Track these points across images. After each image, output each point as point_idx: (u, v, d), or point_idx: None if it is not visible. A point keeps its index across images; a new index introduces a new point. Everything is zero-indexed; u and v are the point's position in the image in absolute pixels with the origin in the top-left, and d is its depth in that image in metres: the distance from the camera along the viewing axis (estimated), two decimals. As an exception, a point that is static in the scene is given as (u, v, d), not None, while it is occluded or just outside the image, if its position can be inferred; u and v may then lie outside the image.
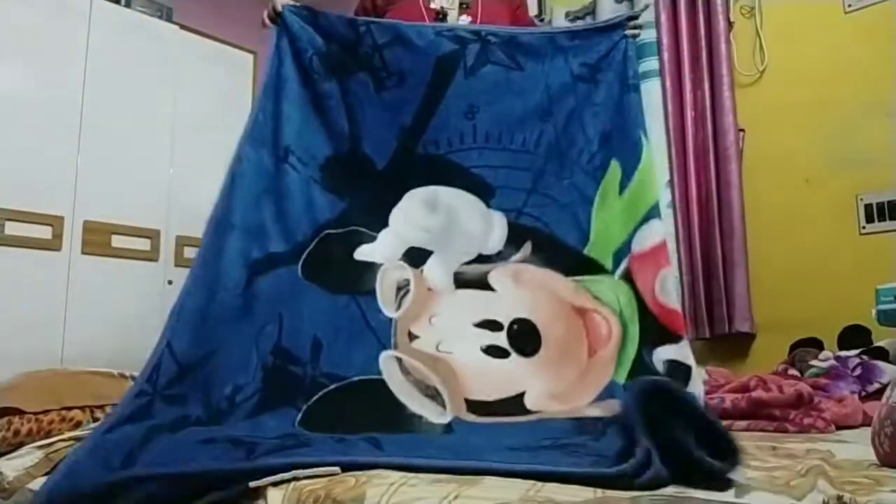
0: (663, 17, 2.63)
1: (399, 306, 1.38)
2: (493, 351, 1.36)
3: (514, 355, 1.36)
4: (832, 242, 2.27)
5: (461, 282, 1.43)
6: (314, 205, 1.42)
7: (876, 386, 1.62)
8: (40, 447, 1.12)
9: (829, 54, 2.36)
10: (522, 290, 1.44)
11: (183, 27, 3.16)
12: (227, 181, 1.37)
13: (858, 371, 1.69)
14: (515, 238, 1.48)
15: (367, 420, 1.17)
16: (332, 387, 1.25)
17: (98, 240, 2.72)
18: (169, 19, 3.15)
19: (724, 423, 1.45)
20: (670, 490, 0.76)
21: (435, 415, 1.24)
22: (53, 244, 2.60)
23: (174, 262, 2.90)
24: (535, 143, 1.55)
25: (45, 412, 1.24)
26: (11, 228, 2.51)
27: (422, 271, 1.43)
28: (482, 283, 1.44)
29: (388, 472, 0.81)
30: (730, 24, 2.54)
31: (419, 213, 1.47)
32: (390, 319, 1.36)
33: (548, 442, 1.07)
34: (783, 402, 1.42)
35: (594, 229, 1.50)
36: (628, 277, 1.44)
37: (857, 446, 1.07)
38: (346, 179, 1.47)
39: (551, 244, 1.48)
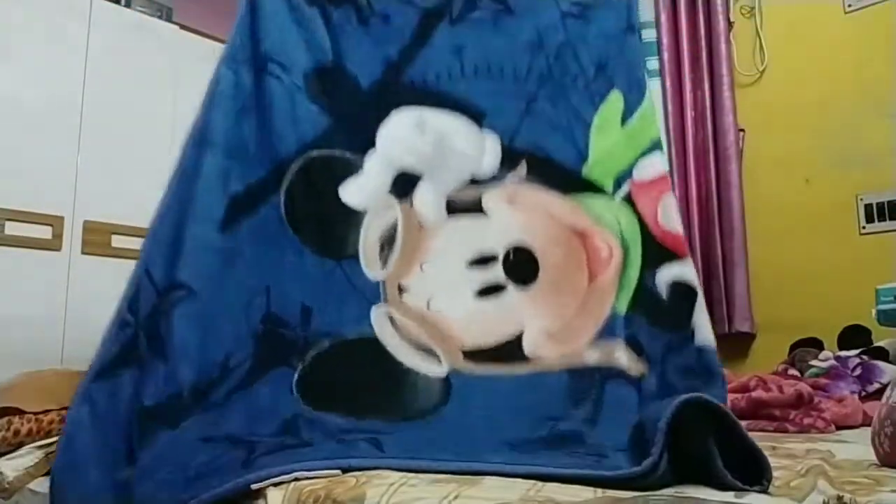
0: (663, 17, 2.63)
1: (385, 264, 1.30)
2: (488, 291, 1.31)
3: (510, 287, 1.30)
4: (832, 242, 2.27)
5: (454, 208, 1.35)
6: (298, 118, 1.32)
7: (876, 386, 1.62)
8: (40, 447, 1.12)
9: (829, 54, 2.36)
10: (518, 213, 1.37)
11: (183, 27, 3.15)
12: (205, 101, 1.31)
13: (858, 371, 1.69)
14: (509, 160, 1.40)
15: (363, 380, 1.15)
16: (327, 345, 1.19)
17: (98, 240, 2.71)
18: (169, 19, 3.15)
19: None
20: (671, 490, 0.76)
21: (430, 368, 1.20)
22: (53, 244, 2.60)
23: (174, 262, 2.90)
24: (527, 72, 1.48)
25: (45, 412, 1.24)
26: (11, 228, 2.50)
27: (411, 202, 1.34)
28: (476, 207, 1.36)
29: (388, 473, 0.81)
30: (730, 24, 2.54)
31: (408, 134, 1.38)
32: (377, 281, 1.28)
33: (545, 431, 1.05)
34: (783, 402, 1.42)
35: (593, 151, 1.43)
36: (629, 200, 1.38)
37: (857, 446, 1.07)
38: (330, 91, 1.38)
39: (548, 165, 1.41)
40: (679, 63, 2.59)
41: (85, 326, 2.68)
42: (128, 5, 3.02)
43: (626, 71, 1.49)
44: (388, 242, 1.31)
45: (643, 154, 1.40)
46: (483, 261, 1.32)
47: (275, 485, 0.82)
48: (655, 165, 1.40)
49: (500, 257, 1.32)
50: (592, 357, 1.23)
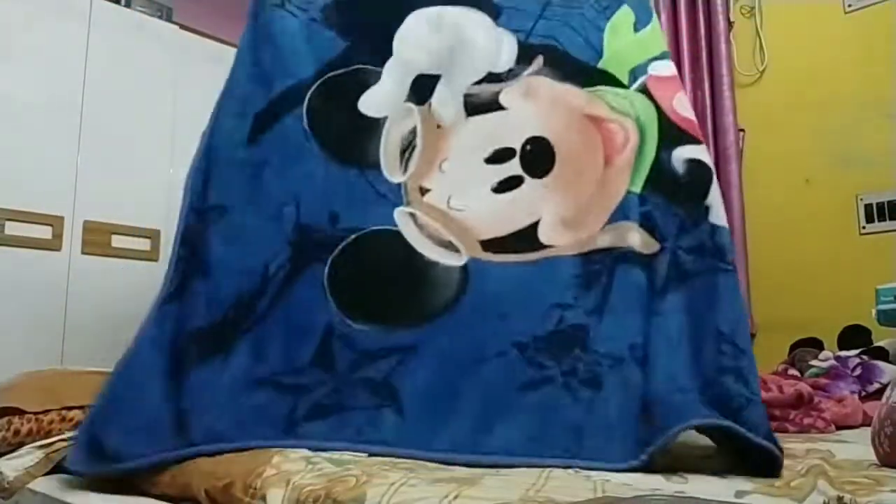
0: (663, 17, 2.63)
1: (405, 168, 1.33)
2: (506, 184, 1.32)
3: (527, 179, 1.32)
4: (832, 242, 2.27)
5: (471, 106, 1.37)
6: (314, 41, 1.38)
7: (876, 386, 1.62)
8: (40, 447, 1.12)
9: (829, 54, 2.36)
10: (535, 105, 1.39)
11: (183, 27, 3.16)
12: (237, 52, 1.39)
13: (858, 371, 1.69)
14: (525, 55, 1.41)
15: (387, 271, 1.22)
16: (352, 238, 1.24)
17: (98, 240, 2.72)
18: (169, 19, 3.15)
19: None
20: (671, 490, 0.76)
21: (450, 259, 1.23)
22: (53, 244, 2.60)
23: (174, 262, 2.90)
24: None
25: (45, 412, 1.24)
26: (11, 228, 2.51)
27: (429, 106, 1.36)
28: (494, 104, 1.38)
29: (388, 472, 0.81)
30: (730, 24, 2.54)
31: (423, 33, 1.41)
32: (399, 184, 1.32)
33: (552, 324, 1.12)
34: (783, 402, 1.42)
35: (607, 49, 1.45)
36: (645, 91, 1.39)
37: (857, 446, 1.07)
38: (348, 19, 1.42)
39: (564, 59, 1.42)
40: (679, 63, 2.59)
41: (85, 326, 2.70)
42: (128, 5, 3.02)
43: None
44: (408, 148, 1.34)
45: (655, 58, 1.42)
46: (500, 157, 1.34)
47: (275, 484, 0.82)
48: (668, 68, 1.42)
49: (518, 151, 1.34)
50: (605, 240, 1.24)
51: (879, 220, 2.20)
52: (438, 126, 1.35)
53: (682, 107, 1.37)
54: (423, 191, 1.32)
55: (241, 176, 1.26)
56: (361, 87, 1.35)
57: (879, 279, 1.63)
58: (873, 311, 1.59)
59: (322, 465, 0.87)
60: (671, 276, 1.17)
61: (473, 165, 1.34)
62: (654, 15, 1.52)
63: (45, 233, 2.58)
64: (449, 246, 1.25)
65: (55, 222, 2.61)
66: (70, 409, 1.27)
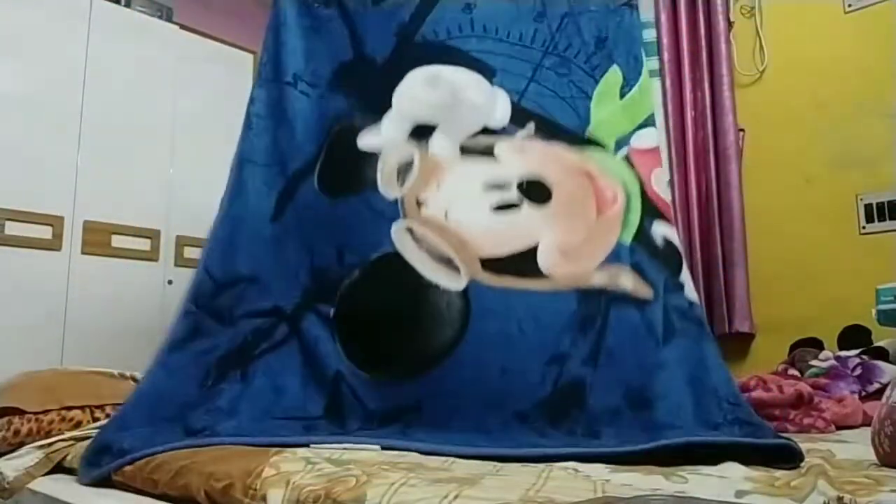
0: (663, 17, 2.63)
1: (403, 182, 1.37)
2: (504, 207, 1.35)
3: (525, 205, 1.35)
4: (832, 242, 2.27)
5: (467, 151, 1.42)
6: (324, 116, 1.49)
7: (876, 386, 1.62)
8: (40, 447, 1.12)
9: (829, 54, 2.36)
10: (529, 157, 1.44)
11: (183, 27, 3.15)
12: (245, 122, 1.50)
13: (858, 371, 1.69)
14: (518, 118, 1.47)
15: (389, 305, 1.28)
16: (356, 273, 1.31)
17: (98, 240, 2.72)
18: (169, 19, 3.15)
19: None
20: (671, 490, 0.76)
21: (450, 281, 1.25)
22: (53, 244, 2.60)
23: (174, 262, 2.90)
24: (531, 39, 1.55)
25: (45, 412, 1.24)
26: (11, 228, 2.51)
27: (427, 147, 1.41)
28: (488, 153, 1.42)
29: (388, 472, 0.81)
30: (730, 24, 2.54)
31: (421, 90, 1.47)
32: (396, 199, 1.36)
33: (550, 384, 1.14)
34: (783, 402, 1.42)
35: (594, 120, 1.51)
36: (629, 161, 1.46)
37: (857, 446, 1.07)
38: (351, 81, 1.52)
39: (553, 126, 1.48)
40: (679, 63, 2.59)
41: (85, 326, 2.70)
42: (128, 5, 3.02)
43: (625, 46, 1.58)
44: (405, 169, 1.39)
45: (639, 127, 1.50)
46: (498, 186, 1.38)
47: (275, 484, 0.82)
48: (651, 137, 1.51)
49: (515, 184, 1.38)
50: (600, 279, 1.27)
51: (879, 220, 2.20)
52: (435, 162, 1.40)
53: (658, 185, 1.46)
54: (420, 202, 1.35)
55: (269, 248, 1.38)
56: (361, 129, 1.44)
57: (879, 279, 1.63)
58: (873, 311, 1.59)
59: (322, 465, 0.87)
60: (668, 327, 1.22)
61: (470, 188, 1.38)
62: (644, 68, 1.59)
63: (45, 233, 2.58)
64: (448, 263, 1.26)
65: (55, 222, 2.61)
66: (70, 409, 1.27)
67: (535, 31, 1.55)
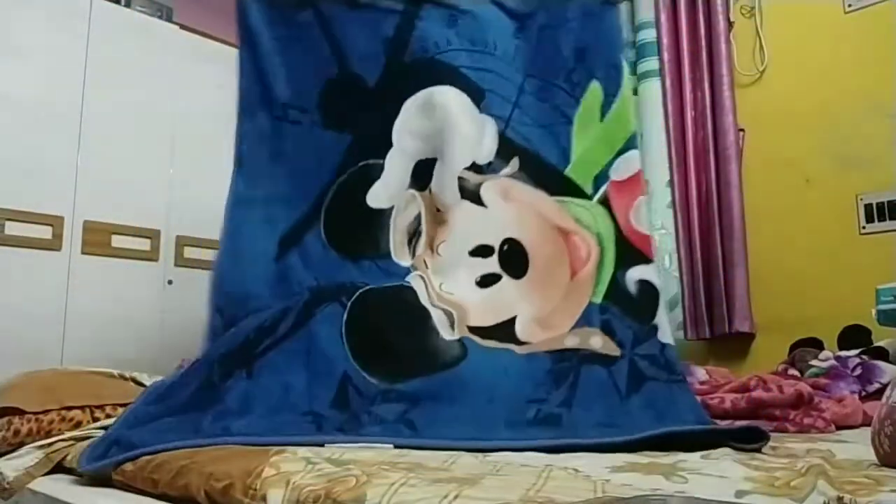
0: (663, 17, 2.63)
1: (413, 253, 1.46)
2: (487, 279, 1.45)
3: (505, 278, 1.45)
4: (832, 242, 2.27)
5: (463, 191, 1.49)
6: (323, 151, 1.47)
7: (876, 386, 1.62)
8: (40, 447, 1.12)
9: (829, 54, 2.36)
10: (511, 207, 1.51)
11: (183, 27, 3.15)
12: (236, 160, 1.46)
13: (858, 371, 1.69)
14: (504, 151, 1.51)
15: (402, 316, 1.34)
16: (368, 287, 1.36)
17: (98, 240, 2.72)
18: (169, 19, 3.15)
19: (724, 422, 1.45)
20: (671, 490, 0.76)
21: (447, 332, 1.35)
22: (53, 244, 2.60)
23: (174, 262, 2.90)
24: (513, 55, 1.58)
25: (45, 412, 1.24)
26: (11, 228, 2.51)
27: (430, 191, 1.48)
28: (477, 197, 1.50)
29: (388, 472, 0.81)
30: (730, 24, 2.54)
31: (417, 121, 1.50)
32: (408, 266, 1.44)
33: (532, 414, 1.21)
34: (783, 402, 1.42)
35: (574, 150, 1.54)
36: (606, 203, 1.50)
37: (857, 446, 1.07)
38: (344, 109, 1.50)
39: (536, 163, 1.53)
40: (679, 63, 2.59)
41: (85, 326, 2.70)
42: (128, 5, 3.02)
43: (605, 55, 1.58)
44: (413, 234, 1.47)
45: (619, 153, 1.52)
46: (482, 252, 1.47)
47: (275, 484, 0.82)
48: (632, 163, 1.53)
49: (497, 250, 1.47)
50: (572, 341, 1.38)
51: (879, 220, 2.20)
52: (438, 210, 1.48)
53: (638, 219, 1.49)
54: (426, 265, 1.45)
55: (273, 282, 1.38)
56: (368, 182, 1.47)
57: (879, 279, 1.63)
58: (873, 311, 1.59)
59: (322, 465, 0.87)
60: (631, 382, 1.31)
61: (460, 256, 1.46)
62: (624, 75, 1.58)
63: (45, 233, 2.58)
64: (448, 315, 1.37)
65: (55, 222, 2.61)
66: (70, 409, 1.27)
67: (515, 47, 1.58)
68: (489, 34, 1.56)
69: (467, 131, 1.49)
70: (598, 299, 1.42)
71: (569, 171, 1.53)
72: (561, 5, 1.61)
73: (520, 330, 1.40)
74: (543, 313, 1.42)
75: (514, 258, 1.47)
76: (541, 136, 1.54)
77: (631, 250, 1.47)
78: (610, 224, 1.49)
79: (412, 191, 1.48)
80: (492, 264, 1.46)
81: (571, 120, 1.55)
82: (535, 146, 1.53)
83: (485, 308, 1.42)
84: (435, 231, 1.47)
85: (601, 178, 1.52)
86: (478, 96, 1.51)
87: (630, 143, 1.54)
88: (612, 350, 1.36)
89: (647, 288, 1.44)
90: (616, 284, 1.44)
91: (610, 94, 1.55)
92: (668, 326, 1.41)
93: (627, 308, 1.41)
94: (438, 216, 1.48)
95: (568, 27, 1.60)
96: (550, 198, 1.50)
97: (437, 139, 1.48)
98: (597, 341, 1.37)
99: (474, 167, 1.48)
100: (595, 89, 1.56)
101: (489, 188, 1.49)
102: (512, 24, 1.59)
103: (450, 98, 1.50)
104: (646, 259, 1.46)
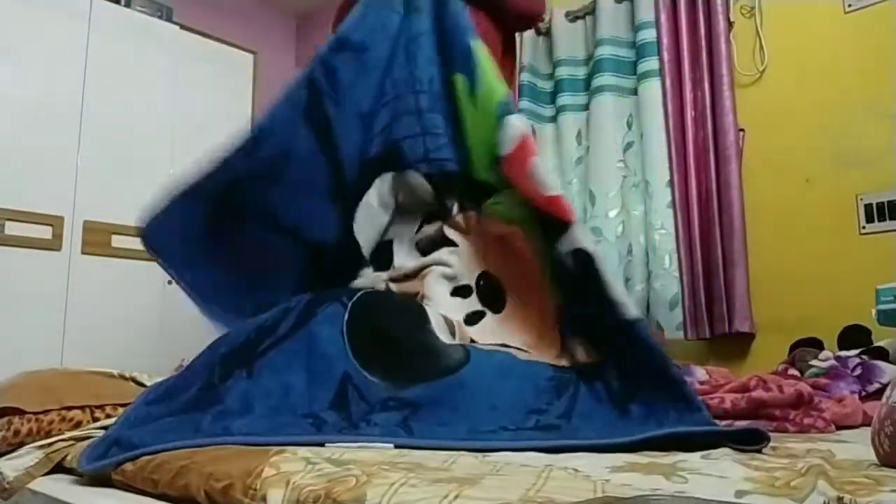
0: (663, 17, 2.63)
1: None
2: (472, 318, 1.46)
3: (488, 314, 1.47)
4: (832, 242, 2.27)
5: (422, 246, 1.54)
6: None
7: (876, 386, 1.62)
8: (40, 447, 1.12)
9: (829, 54, 2.36)
10: (474, 242, 1.54)
11: (183, 27, 3.16)
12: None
13: (858, 371, 1.69)
14: (440, 189, 1.56)
15: (401, 325, 1.33)
16: (370, 288, 1.38)
17: (98, 240, 2.72)
18: (169, 19, 3.16)
19: (724, 422, 1.45)
20: (671, 490, 0.76)
21: (447, 338, 1.35)
22: (53, 244, 2.61)
23: (174, 262, 2.90)
24: (394, 85, 1.62)
25: (45, 412, 1.24)
26: (11, 228, 2.51)
27: (393, 268, 1.55)
28: (442, 241, 1.54)
29: (388, 472, 0.81)
30: (730, 24, 2.54)
31: (373, 212, 1.59)
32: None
33: (532, 423, 1.16)
34: (783, 402, 1.42)
35: (470, 148, 1.55)
36: (510, 185, 1.46)
37: (857, 446, 1.07)
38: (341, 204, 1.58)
39: (457, 180, 1.55)
40: (679, 63, 2.59)
41: (85, 326, 2.70)
42: (128, 5, 3.02)
43: (455, 46, 1.59)
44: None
45: (498, 124, 1.46)
46: (462, 293, 1.50)
47: (275, 484, 0.82)
48: (513, 131, 1.45)
49: (474, 287, 1.50)
50: (564, 361, 1.34)
51: (879, 220, 2.20)
52: (406, 276, 1.53)
53: (539, 181, 1.38)
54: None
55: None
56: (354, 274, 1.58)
57: (879, 279, 1.62)
58: (873, 311, 1.59)
59: (322, 465, 0.86)
60: (625, 390, 1.21)
61: (442, 296, 1.48)
62: (476, 52, 1.55)
63: (45, 233, 2.58)
64: (448, 323, 1.38)
65: (55, 222, 2.61)
66: (70, 409, 1.27)
67: (395, 78, 1.63)
68: (372, 79, 1.62)
69: (422, 195, 1.58)
70: (560, 298, 1.39)
71: (476, 174, 1.53)
72: (410, 24, 1.65)
73: (514, 353, 1.37)
74: (533, 339, 1.42)
75: (491, 293, 1.48)
76: (447, 146, 1.56)
77: (549, 221, 1.35)
78: (524, 206, 1.41)
79: (380, 274, 1.56)
80: (474, 303, 1.48)
81: (454, 118, 1.56)
82: (449, 160, 1.55)
83: (478, 336, 1.43)
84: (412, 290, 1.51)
85: (494, 161, 1.47)
86: (400, 158, 1.58)
87: (503, 111, 1.46)
88: (593, 356, 1.30)
89: (582, 257, 1.30)
90: (559, 269, 1.35)
91: (472, 77, 1.53)
92: (626, 296, 1.28)
93: (578, 292, 1.32)
94: (409, 283, 1.52)
95: (419, 42, 1.64)
96: (484, 214, 1.51)
97: (390, 222, 1.59)
98: (580, 352, 1.32)
99: (428, 217, 1.56)
100: (459, 80, 1.56)
101: (449, 230, 1.55)
102: (383, 60, 1.63)
103: (390, 180, 1.60)
104: (565, 224, 1.32)
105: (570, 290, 1.36)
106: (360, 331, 1.28)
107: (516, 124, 1.44)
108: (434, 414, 1.17)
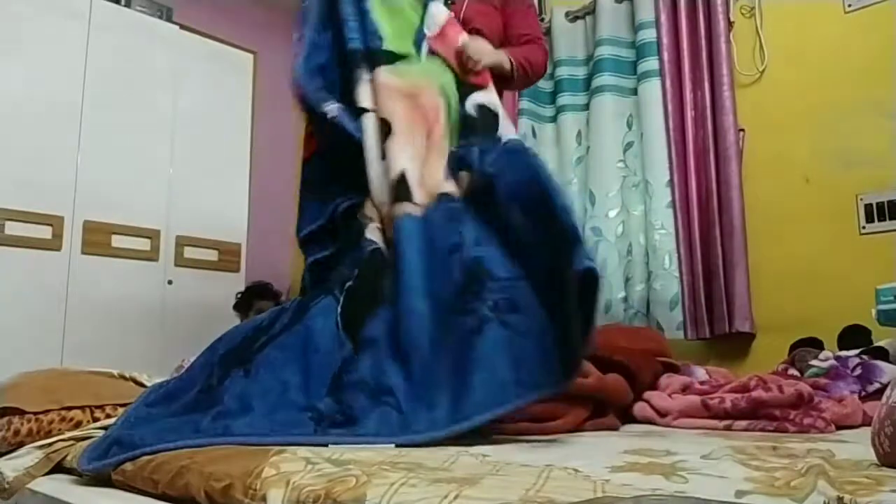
0: (663, 17, 2.63)
1: None
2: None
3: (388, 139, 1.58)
4: (832, 242, 2.27)
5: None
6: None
7: (876, 386, 1.62)
8: (40, 447, 1.12)
9: (829, 54, 2.36)
10: (377, 96, 1.61)
11: (183, 27, 3.16)
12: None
13: (858, 371, 1.69)
14: (359, 61, 1.63)
15: (371, 287, 1.38)
16: (355, 273, 1.40)
17: (98, 240, 2.72)
18: (169, 19, 3.16)
19: (725, 422, 1.45)
20: (671, 490, 0.76)
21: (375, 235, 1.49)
22: (53, 244, 2.61)
23: (174, 262, 2.90)
24: None
25: (45, 412, 1.24)
26: (11, 228, 2.51)
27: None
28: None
29: (388, 472, 0.81)
30: (730, 24, 2.54)
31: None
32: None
33: (458, 271, 1.30)
34: (783, 402, 1.42)
35: (384, 29, 1.65)
36: (433, 54, 1.66)
37: (857, 446, 1.07)
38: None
39: (368, 53, 1.63)
40: (679, 63, 2.59)
41: (85, 326, 2.70)
42: (128, 5, 3.02)
43: None
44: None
45: (424, 7, 1.69)
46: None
47: (275, 484, 0.82)
48: (439, 14, 1.69)
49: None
50: (447, 186, 1.48)
51: (879, 220, 2.20)
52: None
53: (472, 52, 1.63)
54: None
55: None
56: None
57: (879, 279, 1.62)
58: (873, 311, 1.59)
59: (322, 465, 0.87)
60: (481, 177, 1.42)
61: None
62: None
63: (45, 233, 2.58)
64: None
65: (55, 222, 2.61)
66: (70, 409, 1.27)
67: None
68: None
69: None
70: (454, 145, 1.55)
71: (387, 45, 1.63)
72: None
73: (413, 188, 1.47)
74: (420, 171, 1.52)
75: (382, 126, 1.57)
76: (360, 30, 1.65)
77: (469, 86, 1.62)
78: (448, 72, 1.63)
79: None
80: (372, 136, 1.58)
81: (368, 8, 1.65)
82: (365, 42, 1.63)
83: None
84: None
85: (419, 37, 1.66)
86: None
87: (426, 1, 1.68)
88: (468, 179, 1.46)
89: (486, 111, 1.59)
90: (463, 117, 1.58)
91: None
92: (510, 128, 1.58)
93: (473, 131, 1.54)
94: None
95: None
96: (391, 74, 1.60)
97: None
98: (462, 180, 1.47)
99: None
100: None
101: (362, 92, 1.62)
102: None
103: None
104: (482, 87, 1.63)
105: (467, 132, 1.56)
106: (352, 312, 1.32)
107: (440, 10, 1.71)
108: (414, 389, 1.20)
